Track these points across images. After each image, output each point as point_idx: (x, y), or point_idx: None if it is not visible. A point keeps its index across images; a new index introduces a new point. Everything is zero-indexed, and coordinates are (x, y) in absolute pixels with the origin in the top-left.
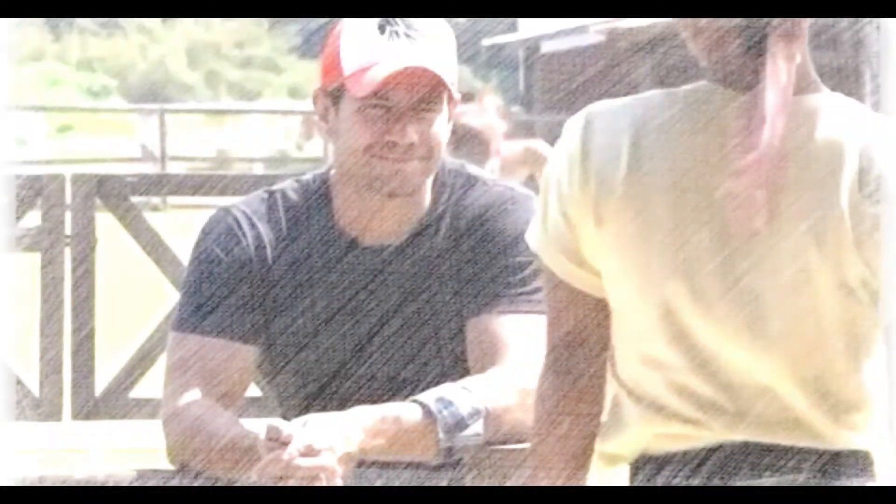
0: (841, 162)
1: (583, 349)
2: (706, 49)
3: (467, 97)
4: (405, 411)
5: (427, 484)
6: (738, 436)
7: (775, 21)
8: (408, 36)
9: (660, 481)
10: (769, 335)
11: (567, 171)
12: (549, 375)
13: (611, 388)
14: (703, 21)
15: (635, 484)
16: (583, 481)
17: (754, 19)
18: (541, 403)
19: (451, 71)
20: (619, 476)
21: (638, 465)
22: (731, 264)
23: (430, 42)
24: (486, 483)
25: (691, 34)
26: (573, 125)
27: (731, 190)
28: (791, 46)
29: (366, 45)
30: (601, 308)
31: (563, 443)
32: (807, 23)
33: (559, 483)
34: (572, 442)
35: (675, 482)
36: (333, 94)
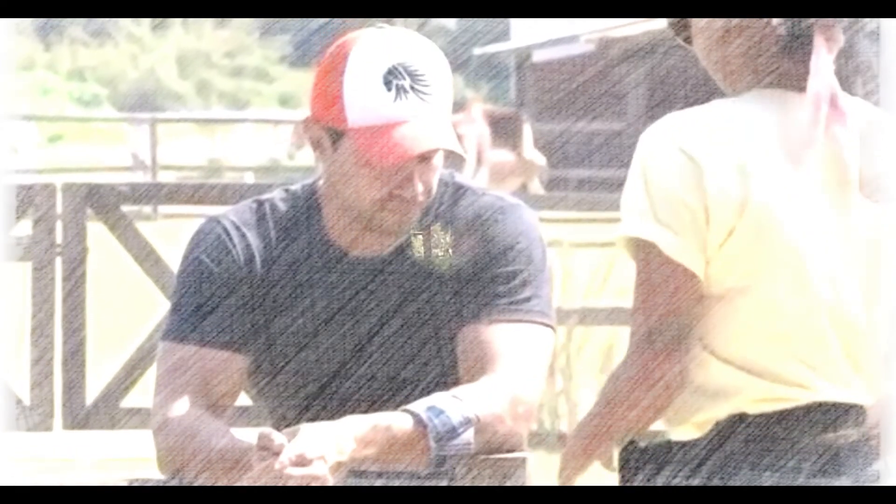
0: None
1: (678, 321)
2: (741, 54)
3: (456, 106)
4: (396, 420)
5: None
6: (827, 396)
7: (818, 25)
8: (414, 90)
9: (750, 440)
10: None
11: (678, 177)
12: (643, 349)
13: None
14: (734, 24)
15: (725, 435)
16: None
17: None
18: (628, 372)
19: (450, 114)
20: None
21: (728, 423)
22: (843, 245)
23: (437, 95)
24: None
25: (718, 40)
26: (668, 134)
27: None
28: (831, 47)
29: (372, 100)
30: (697, 287)
31: (631, 410)
32: (841, 27)
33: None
34: (638, 413)
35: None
36: (332, 133)
